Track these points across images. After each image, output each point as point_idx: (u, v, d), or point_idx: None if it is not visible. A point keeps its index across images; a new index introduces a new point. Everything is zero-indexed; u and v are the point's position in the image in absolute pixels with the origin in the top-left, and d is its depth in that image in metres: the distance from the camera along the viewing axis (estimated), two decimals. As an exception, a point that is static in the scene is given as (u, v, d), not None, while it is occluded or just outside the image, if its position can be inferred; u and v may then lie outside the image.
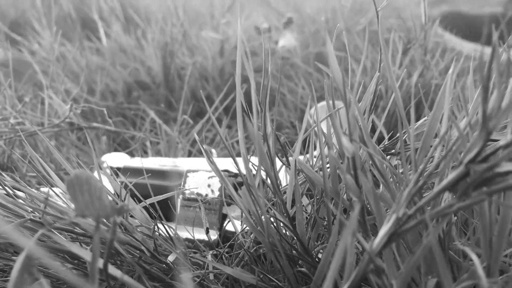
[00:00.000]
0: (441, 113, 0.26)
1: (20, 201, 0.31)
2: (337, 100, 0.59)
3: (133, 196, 0.38)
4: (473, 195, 0.20)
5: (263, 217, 0.29)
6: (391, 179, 0.28)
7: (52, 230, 0.29)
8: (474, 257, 0.20)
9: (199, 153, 0.66)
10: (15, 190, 0.33)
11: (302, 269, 0.32)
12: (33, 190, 0.32)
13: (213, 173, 0.44)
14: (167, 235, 0.36)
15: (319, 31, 1.02)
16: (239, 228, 0.39)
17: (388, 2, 0.31)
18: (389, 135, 0.33)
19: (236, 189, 0.38)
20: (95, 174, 0.47)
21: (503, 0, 0.92)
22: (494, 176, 0.19)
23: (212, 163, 0.33)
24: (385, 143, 0.35)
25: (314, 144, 0.37)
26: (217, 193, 0.43)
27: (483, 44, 0.90)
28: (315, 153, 0.37)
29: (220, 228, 0.42)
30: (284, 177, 0.45)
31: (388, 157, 0.35)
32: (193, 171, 0.45)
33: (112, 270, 0.23)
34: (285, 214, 0.32)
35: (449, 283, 0.21)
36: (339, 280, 0.27)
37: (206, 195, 0.43)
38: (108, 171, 0.46)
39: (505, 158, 0.19)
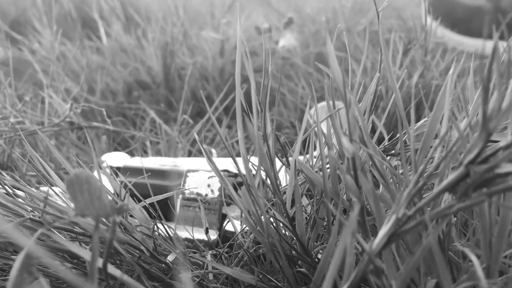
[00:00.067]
0: (441, 114, 0.26)
1: (20, 200, 0.31)
2: (337, 101, 0.59)
3: (132, 195, 0.38)
4: (473, 196, 0.20)
5: (262, 217, 0.29)
6: (391, 180, 0.28)
7: (52, 229, 0.29)
8: (473, 258, 0.20)
9: (199, 153, 0.66)
10: (14, 189, 0.33)
11: (302, 269, 0.32)
12: (32, 189, 0.32)
13: (213, 173, 0.44)
14: (167, 235, 0.36)
15: (320, 31, 1.02)
16: (238, 228, 0.39)
17: (389, 3, 0.31)
18: (389, 135, 0.33)
19: (236, 189, 0.38)
20: (95, 173, 0.47)
21: None
22: (494, 177, 0.19)
23: (212, 163, 0.33)
24: (385, 144, 0.35)
25: (314, 144, 0.37)
26: (217, 193, 0.43)
27: (484, 38, 0.90)
28: (315, 153, 0.37)
29: (220, 228, 0.42)
30: (284, 177, 0.45)
31: (388, 157, 0.35)
32: (193, 171, 0.45)
33: (112, 269, 0.23)
34: (284, 214, 0.32)
35: (448, 284, 0.21)
36: (339, 280, 0.27)
37: (206, 195, 0.43)
38: (108, 170, 0.46)
39: (505, 159, 0.19)
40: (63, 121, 0.60)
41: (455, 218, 0.29)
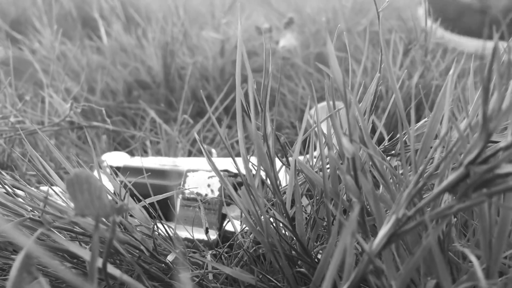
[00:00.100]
0: (442, 114, 0.26)
1: (20, 199, 0.31)
2: (338, 101, 0.59)
3: (132, 195, 0.38)
4: (473, 196, 0.20)
5: (262, 217, 0.29)
6: (391, 180, 0.28)
7: (52, 229, 0.29)
8: (473, 258, 0.20)
9: (199, 153, 0.66)
10: (14, 189, 0.33)
11: (301, 269, 0.32)
12: (32, 189, 0.32)
13: (213, 173, 0.44)
14: (167, 234, 0.36)
15: (320, 31, 1.02)
16: (238, 228, 0.39)
17: (389, 3, 0.31)
18: (389, 136, 0.33)
19: (235, 189, 0.38)
20: (95, 173, 0.47)
21: None
22: (494, 177, 0.19)
23: (211, 163, 0.33)
24: (385, 144, 0.35)
25: (314, 144, 0.37)
26: (216, 193, 0.43)
27: (484, 39, 0.90)
28: (315, 153, 0.37)
29: (220, 228, 0.42)
30: (284, 178, 0.45)
31: (388, 158, 0.35)
32: (193, 170, 0.45)
33: (111, 269, 0.23)
34: (284, 215, 0.32)
35: (448, 285, 0.21)
36: (338, 280, 0.27)
37: (206, 195, 0.43)
38: (108, 170, 0.46)
39: (505, 160, 0.19)
40: (63, 121, 0.60)
41: (455, 219, 0.29)
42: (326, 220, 0.31)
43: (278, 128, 0.77)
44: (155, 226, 0.34)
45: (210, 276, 0.34)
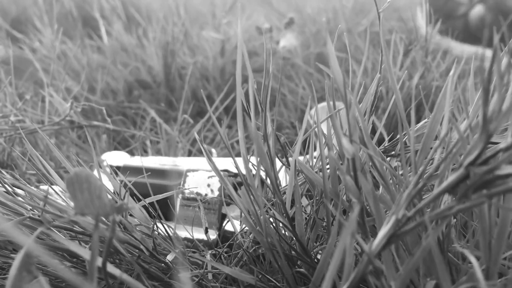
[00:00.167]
0: (442, 115, 0.26)
1: (20, 199, 0.31)
2: (338, 101, 0.59)
3: (132, 195, 0.38)
4: (472, 197, 0.20)
5: (262, 217, 0.29)
6: (391, 181, 0.28)
7: (51, 228, 0.29)
8: (473, 259, 0.20)
9: (199, 153, 0.66)
10: (14, 188, 0.33)
11: (301, 269, 0.32)
12: (32, 188, 0.32)
13: (212, 173, 0.44)
14: (166, 234, 0.36)
15: (320, 31, 1.02)
16: (238, 228, 0.39)
17: (390, 3, 0.31)
18: (389, 136, 0.33)
19: (235, 189, 0.38)
20: (95, 172, 0.47)
21: None
22: (494, 178, 0.19)
23: (211, 162, 0.33)
24: (385, 145, 0.35)
25: (314, 144, 0.37)
26: (216, 193, 0.43)
27: (484, 47, 0.90)
28: (315, 154, 0.37)
29: (219, 228, 0.42)
30: (284, 178, 0.45)
31: (388, 158, 0.35)
32: (193, 170, 0.45)
33: (111, 268, 0.23)
34: (284, 215, 0.32)
35: (448, 285, 0.21)
36: (338, 281, 0.27)
37: (206, 194, 0.43)
38: (108, 169, 0.46)
39: (505, 161, 0.19)
40: (64, 120, 0.60)
41: (455, 220, 0.29)
42: (325, 220, 0.31)
43: (278, 128, 0.77)
44: (155, 226, 0.34)
45: (210, 276, 0.34)
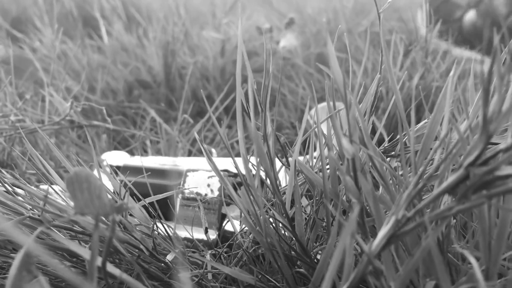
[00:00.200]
0: (442, 116, 0.26)
1: (20, 198, 0.31)
2: (338, 101, 0.59)
3: (132, 194, 0.38)
4: (472, 198, 0.20)
5: (261, 217, 0.29)
6: (391, 181, 0.28)
7: (51, 227, 0.29)
8: (472, 260, 0.20)
9: (199, 153, 0.66)
10: (14, 188, 0.33)
11: (301, 269, 0.32)
12: (32, 187, 0.32)
13: (212, 173, 0.44)
14: (166, 234, 0.36)
15: (321, 31, 1.02)
16: (238, 228, 0.39)
17: (390, 4, 0.31)
18: (389, 137, 0.33)
19: (235, 189, 0.38)
20: (95, 172, 0.47)
21: None
22: (494, 179, 0.19)
23: (211, 162, 0.33)
24: (385, 145, 0.35)
25: (314, 145, 0.37)
26: (216, 193, 0.43)
27: (483, 53, 0.90)
28: (315, 154, 0.37)
29: (219, 228, 0.42)
30: (283, 178, 0.45)
31: (388, 159, 0.35)
32: (193, 170, 0.45)
33: (111, 268, 0.23)
34: (284, 215, 0.32)
35: (447, 286, 0.21)
36: (338, 281, 0.27)
37: (206, 194, 0.43)
38: (107, 169, 0.46)
39: (505, 162, 0.19)
40: (64, 120, 0.60)
41: (455, 220, 0.29)
42: (325, 220, 0.31)
43: (278, 128, 0.77)
44: (155, 226, 0.34)
45: (209, 276, 0.34)
